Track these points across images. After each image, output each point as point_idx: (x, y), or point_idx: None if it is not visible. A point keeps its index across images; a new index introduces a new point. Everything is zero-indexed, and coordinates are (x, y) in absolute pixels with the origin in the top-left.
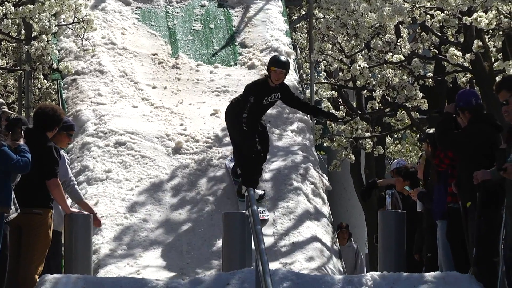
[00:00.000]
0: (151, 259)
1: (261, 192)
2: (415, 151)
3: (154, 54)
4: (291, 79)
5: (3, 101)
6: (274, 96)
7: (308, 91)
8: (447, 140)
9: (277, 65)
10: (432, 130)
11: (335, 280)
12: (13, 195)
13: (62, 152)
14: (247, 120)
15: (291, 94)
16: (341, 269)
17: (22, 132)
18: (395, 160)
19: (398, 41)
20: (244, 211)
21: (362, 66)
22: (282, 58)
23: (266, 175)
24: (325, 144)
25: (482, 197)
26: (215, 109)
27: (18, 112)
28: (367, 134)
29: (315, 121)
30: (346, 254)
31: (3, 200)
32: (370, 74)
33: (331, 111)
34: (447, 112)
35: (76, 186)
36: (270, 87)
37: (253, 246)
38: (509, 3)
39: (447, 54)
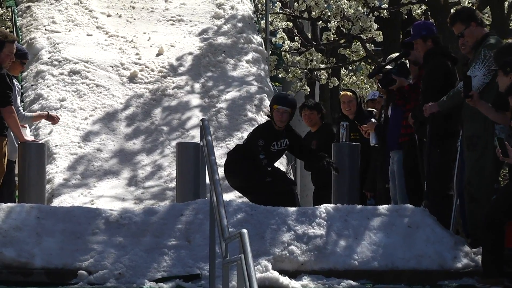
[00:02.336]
0: (105, 189)
1: None
2: (369, 83)
3: None
4: (246, 8)
5: None
6: (282, 143)
7: (263, 21)
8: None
9: (280, 102)
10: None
11: (289, 212)
12: None
13: (14, 81)
14: (267, 161)
15: (300, 142)
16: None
17: None
18: (371, 92)
19: None
20: (198, 142)
21: None
22: (286, 94)
23: (222, 105)
24: (280, 75)
25: (432, 129)
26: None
27: None
28: (322, 66)
29: (269, 51)
30: None
31: None
32: (325, 5)
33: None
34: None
35: (24, 113)
36: (276, 130)
37: (207, 177)
38: None
39: None
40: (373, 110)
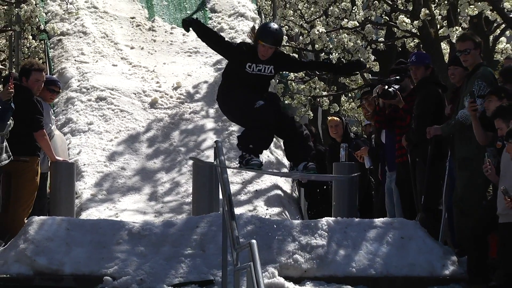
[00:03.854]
0: (128, 203)
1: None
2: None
3: (132, 18)
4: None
5: None
6: (266, 69)
7: None
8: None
9: (266, 40)
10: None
11: (293, 224)
12: (5, 144)
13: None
14: (238, 84)
15: (290, 59)
16: (300, 215)
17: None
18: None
19: (353, 8)
20: (212, 162)
21: (320, 31)
22: (273, 29)
23: (233, 128)
24: (286, 102)
25: (434, 150)
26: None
27: (8, 69)
28: (324, 93)
29: (277, 80)
30: None
31: None
32: (328, 39)
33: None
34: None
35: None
36: (258, 57)
37: (220, 193)
38: None
39: (397, 21)
40: (357, 133)
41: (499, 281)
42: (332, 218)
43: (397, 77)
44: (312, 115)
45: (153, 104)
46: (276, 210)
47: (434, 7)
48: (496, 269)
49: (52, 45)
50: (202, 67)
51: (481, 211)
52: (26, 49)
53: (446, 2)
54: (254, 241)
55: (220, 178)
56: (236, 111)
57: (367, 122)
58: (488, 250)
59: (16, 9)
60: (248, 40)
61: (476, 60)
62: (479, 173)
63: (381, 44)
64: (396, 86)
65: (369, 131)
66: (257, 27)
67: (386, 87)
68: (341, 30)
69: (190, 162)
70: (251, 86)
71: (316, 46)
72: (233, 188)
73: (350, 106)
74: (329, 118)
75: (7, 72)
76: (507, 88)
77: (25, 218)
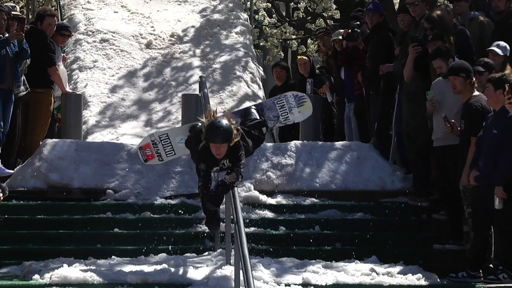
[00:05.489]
0: (127, 128)
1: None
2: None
3: None
4: None
5: (14, 5)
6: (224, 164)
7: (249, 2)
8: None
9: (214, 140)
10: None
11: (267, 146)
12: (23, 78)
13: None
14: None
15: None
16: (272, 139)
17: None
18: None
19: None
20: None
21: None
22: (220, 128)
23: (216, 65)
24: (261, 44)
25: (385, 84)
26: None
27: (25, 15)
28: (293, 36)
29: (253, 25)
30: None
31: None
32: None
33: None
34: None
35: None
36: (215, 157)
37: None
38: None
39: None
40: (322, 70)
41: (438, 195)
42: (299, 141)
43: (358, 23)
44: (283, 55)
45: (148, 45)
46: None
47: None
48: (436, 185)
49: None
50: (190, 14)
51: (424, 137)
52: None
53: None
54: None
55: (203, 106)
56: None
57: None
58: (429, 168)
59: None
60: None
61: (423, 11)
62: (423, 105)
63: None
64: (358, 30)
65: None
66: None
67: (350, 31)
68: None
69: (180, 94)
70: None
71: None
72: None
73: (315, 47)
74: (299, 57)
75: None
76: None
77: (40, 141)
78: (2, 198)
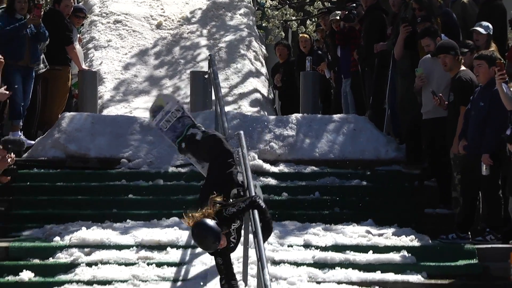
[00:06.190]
0: (140, 103)
1: None
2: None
3: None
4: None
5: None
6: (232, 226)
7: None
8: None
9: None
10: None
11: (269, 119)
12: (42, 56)
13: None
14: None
15: None
16: (274, 112)
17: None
18: None
19: None
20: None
21: None
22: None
23: (222, 44)
24: (263, 24)
25: (379, 61)
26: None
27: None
28: (293, 18)
29: (256, 7)
30: None
31: (33, 58)
32: None
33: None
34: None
35: None
36: None
37: (213, 94)
38: None
39: None
40: (320, 48)
41: (428, 163)
42: (300, 114)
43: (354, 5)
44: (284, 35)
45: (158, 26)
46: (255, 109)
47: None
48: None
49: None
50: None
51: (417, 110)
52: None
53: None
54: (241, 131)
55: (212, 82)
56: None
57: None
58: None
59: None
60: None
61: None
62: (414, 81)
63: None
64: (354, 12)
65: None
66: None
67: (347, 12)
68: None
69: (188, 71)
70: None
71: None
72: (222, 91)
73: (314, 28)
74: (301, 35)
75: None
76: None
77: (59, 114)
78: (13, 157)
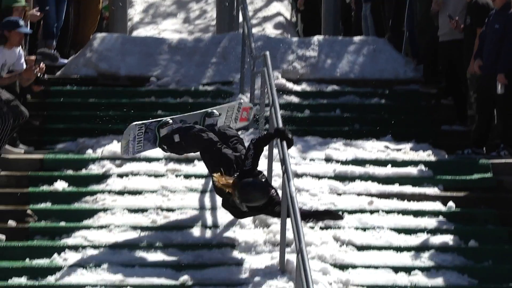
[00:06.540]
0: (168, 25)
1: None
2: None
3: None
4: None
5: None
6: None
7: None
8: None
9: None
10: None
11: (292, 41)
12: None
13: None
14: None
15: None
16: (297, 35)
17: None
18: None
19: None
20: None
21: None
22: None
23: None
24: None
25: None
26: None
27: None
28: None
29: None
30: None
31: None
32: None
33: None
34: None
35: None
36: None
37: (240, 16)
38: None
39: None
40: None
41: (445, 83)
42: (322, 36)
43: None
44: None
45: None
46: (279, 31)
47: None
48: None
49: None
50: None
51: (434, 32)
52: None
53: None
54: (267, 52)
55: (240, 4)
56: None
57: None
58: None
59: None
60: None
61: None
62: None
63: None
64: None
65: None
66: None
67: None
68: None
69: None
70: None
71: None
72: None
73: None
74: None
75: None
76: None
77: (91, 35)
78: (42, 67)
